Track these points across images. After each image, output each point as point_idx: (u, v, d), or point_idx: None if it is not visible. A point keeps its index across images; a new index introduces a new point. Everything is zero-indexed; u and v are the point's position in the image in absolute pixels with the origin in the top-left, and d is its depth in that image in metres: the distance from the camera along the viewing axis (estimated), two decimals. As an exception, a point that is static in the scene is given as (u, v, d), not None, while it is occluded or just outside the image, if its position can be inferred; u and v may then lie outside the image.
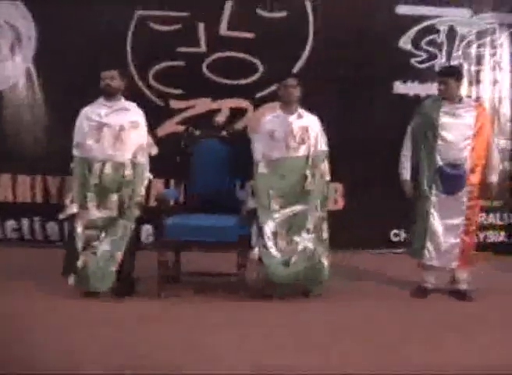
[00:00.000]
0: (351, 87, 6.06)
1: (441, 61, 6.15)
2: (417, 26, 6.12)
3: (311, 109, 4.87)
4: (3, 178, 6.28)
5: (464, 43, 6.19)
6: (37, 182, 6.26)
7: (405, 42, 6.11)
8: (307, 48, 6.06)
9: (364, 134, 6.02)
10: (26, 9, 6.19)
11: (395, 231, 6.16)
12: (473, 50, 6.22)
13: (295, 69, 6.03)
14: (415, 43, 6.13)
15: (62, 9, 6.08)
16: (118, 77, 4.71)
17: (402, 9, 6.10)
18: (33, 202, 6.28)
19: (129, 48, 6.12)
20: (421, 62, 6.14)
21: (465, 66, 6.17)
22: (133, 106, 4.80)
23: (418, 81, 6.12)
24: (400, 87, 6.13)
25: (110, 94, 4.70)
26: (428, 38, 6.14)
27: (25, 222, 6.29)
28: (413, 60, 6.13)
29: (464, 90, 5.70)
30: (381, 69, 6.07)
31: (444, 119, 4.55)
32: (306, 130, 4.67)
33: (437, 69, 5.92)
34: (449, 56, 6.17)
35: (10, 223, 6.30)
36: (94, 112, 4.70)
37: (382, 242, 6.11)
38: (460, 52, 6.18)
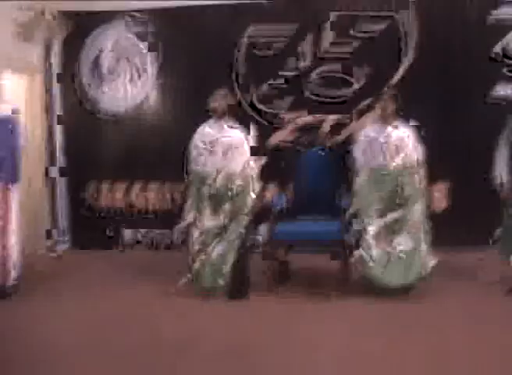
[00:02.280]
0: (448, 97, 6.39)
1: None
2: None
3: (411, 118, 5.37)
4: (134, 188, 7.15)
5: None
6: (164, 192, 7.08)
7: (498, 51, 6.32)
8: (405, 61, 6.43)
9: (463, 138, 6.35)
10: (146, 37, 7.03)
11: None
12: None
13: (392, 82, 6.44)
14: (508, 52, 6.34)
15: (177, 37, 6.91)
16: (225, 100, 5.39)
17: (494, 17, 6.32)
18: (161, 210, 7.10)
19: (237, 69, 6.79)
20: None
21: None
22: (239, 125, 5.45)
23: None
24: (496, 92, 6.35)
25: (220, 115, 5.38)
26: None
27: (154, 228, 7.11)
28: (505, 69, 6.33)
29: None
30: (476, 79, 6.34)
31: None
32: (403, 140, 5.12)
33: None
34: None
35: (141, 230, 7.16)
36: (207, 131, 5.40)
37: (485, 241, 6.21)
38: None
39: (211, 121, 5.43)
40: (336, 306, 4.81)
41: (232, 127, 5.39)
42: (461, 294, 5.02)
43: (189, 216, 5.28)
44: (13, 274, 5.33)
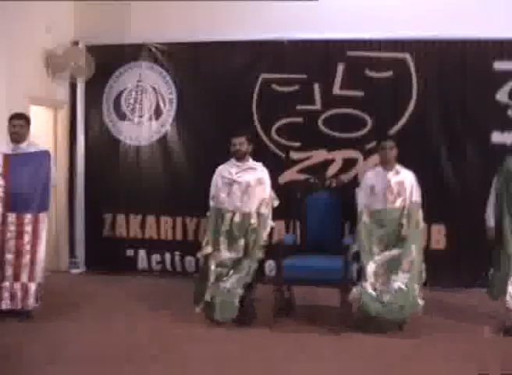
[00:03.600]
0: (452, 137, 6.96)
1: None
2: (512, 80, 6.90)
3: (414, 159, 6.06)
4: (148, 219, 7.71)
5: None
6: (177, 222, 7.64)
7: (502, 95, 6.89)
8: (411, 103, 7.00)
9: (465, 180, 6.90)
10: (167, 75, 7.62)
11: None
12: None
13: (400, 124, 7.01)
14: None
15: (197, 75, 7.53)
16: (245, 142, 5.97)
17: (498, 65, 6.89)
18: (174, 240, 7.67)
19: (254, 107, 7.35)
20: (517, 114, 6.91)
21: None
22: (259, 165, 6.03)
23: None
24: (497, 137, 6.90)
25: (240, 156, 5.96)
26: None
27: (167, 256, 7.66)
28: (510, 112, 6.89)
29: None
30: (479, 121, 6.92)
31: None
32: (402, 185, 5.69)
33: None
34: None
35: (155, 257, 7.71)
36: (227, 171, 5.98)
37: (481, 280, 6.44)
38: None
39: (232, 161, 6.02)
40: (334, 339, 5.30)
41: (251, 168, 5.97)
42: (451, 331, 5.49)
43: (207, 248, 5.81)
44: (38, 299, 5.81)
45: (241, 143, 5.95)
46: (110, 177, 7.79)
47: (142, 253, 7.74)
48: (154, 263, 7.73)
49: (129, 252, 7.76)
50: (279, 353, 4.99)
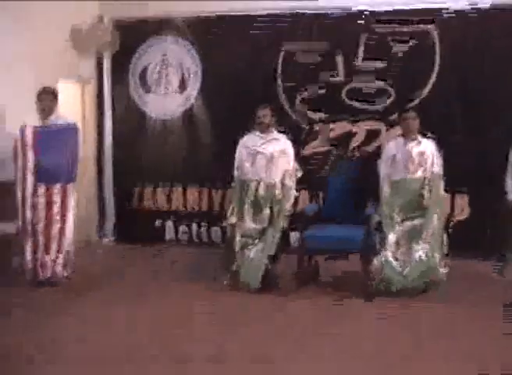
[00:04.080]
0: (475, 108, 6.97)
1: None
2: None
3: (437, 129, 6.07)
4: (175, 191, 7.88)
5: None
6: (203, 194, 7.80)
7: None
8: (434, 74, 7.04)
9: (489, 150, 6.91)
10: (192, 48, 7.73)
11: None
12: None
13: (422, 95, 7.05)
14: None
15: (221, 47, 7.64)
16: (269, 114, 6.09)
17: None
18: (200, 210, 7.84)
19: (278, 79, 7.45)
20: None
21: None
22: (282, 137, 6.15)
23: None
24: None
25: (264, 128, 6.08)
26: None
27: (194, 227, 7.84)
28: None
29: None
30: (504, 91, 6.92)
31: None
32: (423, 155, 5.78)
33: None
34: None
35: (182, 228, 7.89)
36: (251, 142, 6.12)
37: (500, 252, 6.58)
38: None
39: (256, 132, 6.16)
40: (355, 306, 5.45)
41: (275, 139, 6.10)
42: (470, 300, 5.54)
43: (232, 219, 5.98)
44: (69, 268, 6.03)
45: (265, 115, 6.07)
46: (137, 150, 7.99)
47: (169, 224, 7.94)
48: (180, 234, 7.92)
49: (157, 223, 7.96)
50: (301, 319, 5.15)
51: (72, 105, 7.75)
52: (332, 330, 4.88)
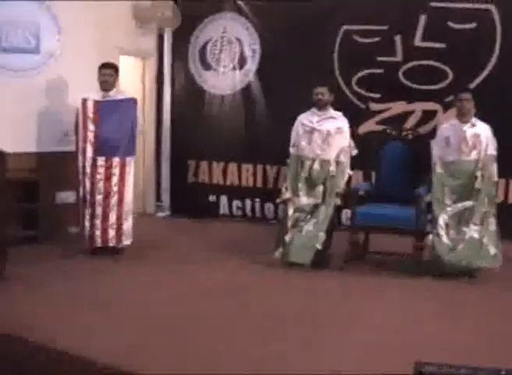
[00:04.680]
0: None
1: None
2: None
3: (494, 113, 6.08)
4: (230, 167, 8.03)
5: None
6: (258, 170, 7.95)
7: None
8: (494, 57, 6.99)
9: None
10: (251, 26, 7.83)
11: None
12: None
13: (481, 77, 7.00)
14: None
15: (280, 26, 7.73)
16: (327, 92, 6.21)
17: None
18: (255, 186, 8.00)
19: (336, 58, 7.51)
20: None
21: None
22: (339, 115, 6.27)
23: None
24: None
25: (321, 106, 6.18)
26: None
27: (248, 202, 8.00)
28: None
29: None
30: None
31: None
32: (477, 137, 5.80)
33: None
34: None
35: (236, 203, 8.06)
36: (308, 119, 6.25)
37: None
38: None
39: (313, 110, 6.28)
40: (402, 284, 5.56)
41: (332, 117, 6.22)
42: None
43: (286, 194, 6.14)
44: (127, 238, 6.25)
45: (323, 92, 6.18)
46: (195, 125, 8.20)
47: (224, 199, 8.14)
48: (235, 209, 8.12)
49: (212, 198, 8.18)
50: (348, 294, 5.32)
51: (133, 80, 7.96)
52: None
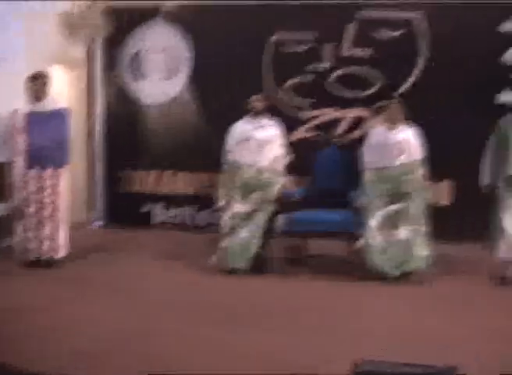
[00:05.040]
0: (460, 97, 7.24)
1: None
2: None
3: (422, 117, 6.30)
4: (164, 175, 8.05)
5: None
6: (192, 178, 8.05)
7: (507, 57, 7.13)
8: (419, 63, 7.31)
9: (473, 138, 7.06)
10: (183, 35, 7.89)
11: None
12: None
13: (408, 83, 7.28)
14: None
15: (211, 35, 7.81)
16: (262, 100, 6.36)
17: (505, 27, 7.12)
18: (189, 195, 8.09)
19: (266, 67, 7.67)
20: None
21: None
22: (274, 123, 6.42)
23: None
24: (503, 97, 7.15)
25: (256, 113, 6.31)
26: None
27: (182, 210, 8.08)
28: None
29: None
30: (486, 81, 7.14)
31: None
32: (406, 142, 6.02)
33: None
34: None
35: (170, 211, 8.15)
36: (243, 127, 6.38)
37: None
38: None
39: (248, 117, 6.40)
40: (339, 286, 5.72)
41: (266, 125, 6.36)
42: (454, 282, 5.84)
43: (222, 201, 6.27)
44: (62, 250, 6.20)
45: (258, 100, 6.34)
46: (128, 135, 8.23)
47: (158, 208, 8.13)
48: (169, 217, 8.11)
49: (146, 207, 8.16)
50: (293, 299, 5.40)
51: (63, 89, 7.87)
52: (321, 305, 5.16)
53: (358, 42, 7.41)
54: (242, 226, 6.10)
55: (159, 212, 8.15)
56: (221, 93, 7.74)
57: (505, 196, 5.75)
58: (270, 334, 4.46)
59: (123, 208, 8.17)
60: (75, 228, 7.51)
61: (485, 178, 5.95)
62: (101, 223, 8.31)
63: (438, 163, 6.38)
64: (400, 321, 4.81)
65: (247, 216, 6.14)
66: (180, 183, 8.09)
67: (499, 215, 5.77)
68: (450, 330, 4.60)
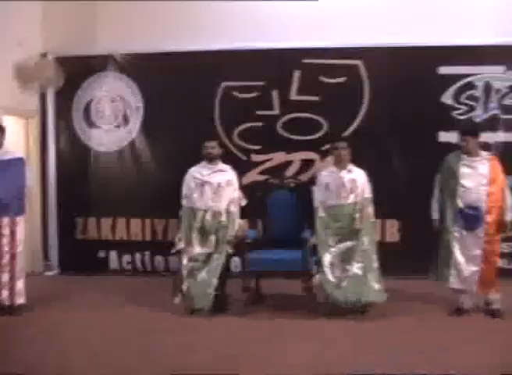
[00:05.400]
0: (403, 138, 7.64)
1: (478, 113, 7.53)
2: (457, 83, 7.56)
3: (367, 159, 6.67)
4: (119, 222, 8.18)
5: (498, 96, 7.53)
6: (146, 224, 8.18)
7: (447, 97, 7.57)
8: (363, 107, 7.70)
9: (416, 178, 7.46)
10: (134, 84, 8.12)
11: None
12: (507, 101, 7.56)
13: (353, 126, 7.65)
14: (455, 98, 7.58)
15: (162, 83, 8.06)
16: (217, 146, 6.63)
17: (443, 70, 7.57)
18: (144, 240, 8.20)
19: (217, 113, 7.94)
20: (461, 115, 7.57)
21: (500, 116, 7.55)
22: (228, 168, 6.70)
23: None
24: (443, 137, 7.55)
25: (211, 159, 6.55)
26: (467, 93, 7.57)
27: (137, 256, 8.18)
28: (454, 113, 7.58)
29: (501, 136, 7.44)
30: (427, 122, 7.54)
31: (463, 170, 6.08)
32: (354, 182, 6.37)
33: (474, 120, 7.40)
34: (485, 108, 7.54)
35: (125, 257, 8.22)
36: (199, 172, 6.62)
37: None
38: (495, 104, 7.52)
39: (203, 163, 6.67)
40: (297, 324, 5.93)
41: (221, 170, 6.65)
42: (406, 314, 6.14)
43: (180, 244, 6.46)
44: (20, 298, 6.25)
45: (213, 146, 6.60)
46: (81, 183, 8.35)
47: (113, 254, 8.24)
48: (125, 263, 8.27)
49: (101, 254, 8.26)
50: (255, 337, 5.58)
51: (16, 139, 7.98)
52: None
53: (304, 88, 7.77)
54: (200, 268, 6.29)
55: (114, 259, 8.24)
56: (173, 140, 8.00)
57: (455, 229, 6.10)
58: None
59: (79, 255, 8.22)
60: (28, 277, 7.57)
61: (434, 213, 6.29)
62: (56, 271, 8.33)
63: (384, 203, 6.75)
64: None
65: (205, 259, 6.34)
66: (134, 229, 8.23)
67: (450, 248, 6.10)
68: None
